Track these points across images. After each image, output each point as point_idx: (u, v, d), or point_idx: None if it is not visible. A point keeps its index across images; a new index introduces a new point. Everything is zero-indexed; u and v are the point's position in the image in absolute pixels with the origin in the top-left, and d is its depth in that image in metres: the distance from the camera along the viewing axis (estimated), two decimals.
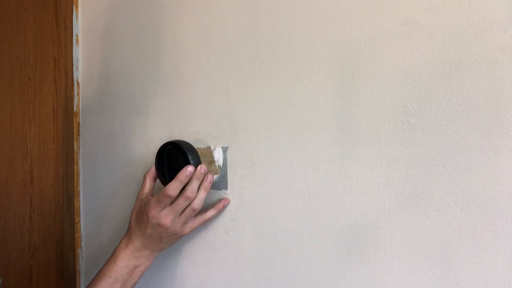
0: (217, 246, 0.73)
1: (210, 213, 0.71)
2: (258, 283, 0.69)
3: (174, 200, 0.66)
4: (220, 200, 0.71)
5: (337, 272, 0.62)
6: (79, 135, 0.94)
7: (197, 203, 0.67)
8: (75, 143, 0.93)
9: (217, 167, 0.72)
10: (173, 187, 0.65)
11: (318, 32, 0.63)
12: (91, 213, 0.92)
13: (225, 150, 0.72)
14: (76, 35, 0.93)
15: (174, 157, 0.69)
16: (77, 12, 0.93)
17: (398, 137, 0.57)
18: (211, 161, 0.73)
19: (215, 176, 0.72)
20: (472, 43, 0.52)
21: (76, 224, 0.94)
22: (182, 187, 0.66)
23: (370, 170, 0.59)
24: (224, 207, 0.72)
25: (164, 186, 0.68)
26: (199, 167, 0.68)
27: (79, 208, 0.95)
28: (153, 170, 0.72)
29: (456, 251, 0.54)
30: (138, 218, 0.68)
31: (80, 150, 0.94)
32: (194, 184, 0.67)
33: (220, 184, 0.72)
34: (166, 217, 0.65)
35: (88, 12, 0.92)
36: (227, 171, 0.72)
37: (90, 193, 0.93)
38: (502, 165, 0.51)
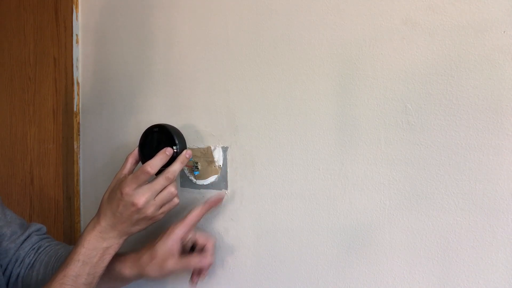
0: (217, 246, 0.73)
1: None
2: (258, 283, 0.69)
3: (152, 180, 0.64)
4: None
5: (337, 272, 0.62)
6: (79, 135, 0.94)
7: (175, 187, 0.65)
8: (75, 143, 0.93)
9: (217, 167, 0.72)
10: (153, 165, 0.62)
11: (318, 32, 0.63)
12: (91, 213, 0.92)
13: (225, 150, 0.72)
14: (76, 35, 0.93)
15: (159, 140, 0.67)
16: (77, 12, 0.93)
17: (398, 137, 0.57)
18: (211, 161, 0.73)
19: (215, 176, 0.72)
20: (472, 43, 0.52)
21: (76, 224, 0.94)
22: (162, 167, 0.63)
23: (370, 170, 0.59)
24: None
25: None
26: (184, 151, 0.66)
27: (79, 208, 0.95)
28: (136, 152, 0.68)
29: (456, 251, 0.54)
30: (111, 196, 0.64)
31: (80, 150, 0.94)
32: (177, 166, 0.64)
33: (220, 184, 0.72)
34: (141, 196, 0.61)
35: (88, 12, 0.92)
36: (227, 171, 0.72)
37: (90, 193, 0.93)
38: (502, 165, 0.51)
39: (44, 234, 0.77)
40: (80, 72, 0.94)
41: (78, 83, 0.94)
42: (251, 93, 0.69)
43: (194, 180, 0.74)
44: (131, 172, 0.68)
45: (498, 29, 0.51)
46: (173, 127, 0.69)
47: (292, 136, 0.66)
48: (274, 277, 0.68)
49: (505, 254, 0.51)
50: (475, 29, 0.52)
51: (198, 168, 0.74)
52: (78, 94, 0.94)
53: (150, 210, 0.63)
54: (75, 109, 0.93)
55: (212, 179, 0.73)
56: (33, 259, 0.72)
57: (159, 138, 0.67)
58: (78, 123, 0.94)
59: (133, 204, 0.61)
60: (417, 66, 0.56)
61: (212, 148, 0.72)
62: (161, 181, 0.63)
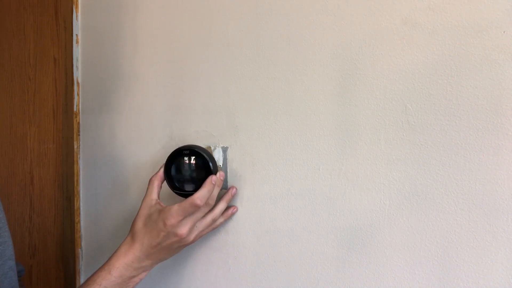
0: (217, 246, 0.73)
1: (219, 221, 0.69)
2: (258, 283, 0.69)
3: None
4: (229, 207, 0.70)
5: (337, 272, 0.62)
6: (79, 135, 0.94)
7: (217, 213, 0.66)
8: (75, 143, 0.93)
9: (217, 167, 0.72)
10: (202, 197, 0.62)
11: (318, 32, 0.63)
12: (91, 213, 0.92)
13: (225, 150, 0.72)
14: (76, 35, 0.93)
15: (192, 163, 0.67)
16: (77, 12, 0.93)
17: (398, 137, 0.57)
18: None
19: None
20: (472, 43, 0.52)
21: (76, 224, 0.94)
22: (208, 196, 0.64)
23: (370, 170, 0.59)
24: (232, 214, 0.71)
25: (175, 191, 0.67)
26: (218, 174, 0.66)
27: (79, 208, 0.95)
28: (160, 174, 0.68)
29: (456, 251, 0.54)
30: (149, 225, 0.64)
31: (80, 150, 0.94)
32: (216, 192, 0.65)
33: None
34: (185, 226, 0.62)
35: (88, 12, 0.92)
36: (227, 171, 0.72)
37: (90, 193, 0.93)
38: (502, 165, 0.51)
39: (20, 277, 0.76)
40: (80, 72, 0.94)
41: (78, 83, 0.94)
42: (251, 93, 0.69)
43: None
44: (158, 195, 0.67)
45: (498, 29, 0.51)
46: (202, 148, 0.69)
47: (292, 136, 0.66)
48: (274, 277, 0.68)
49: (505, 254, 0.51)
50: (475, 29, 0.52)
51: None
52: (78, 94, 0.94)
53: (192, 237, 0.64)
54: (75, 109, 0.93)
55: None
56: None
57: (192, 161, 0.67)
58: (78, 123, 0.94)
59: (177, 235, 0.62)
60: (417, 66, 0.56)
61: (212, 148, 0.72)
62: (203, 208, 0.64)
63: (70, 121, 0.93)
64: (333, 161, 0.62)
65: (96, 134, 0.91)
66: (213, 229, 0.69)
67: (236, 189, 0.70)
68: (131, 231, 0.66)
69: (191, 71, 0.76)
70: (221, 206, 0.67)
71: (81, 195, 0.95)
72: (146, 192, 0.68)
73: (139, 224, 0.65)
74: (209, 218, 0.65)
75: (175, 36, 0.78)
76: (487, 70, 0.51)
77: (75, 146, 0.93)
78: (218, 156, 0.72)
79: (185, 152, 0.67)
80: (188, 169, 0.67)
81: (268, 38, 0.68)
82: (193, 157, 0.67)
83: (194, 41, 0.76)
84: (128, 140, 0.85)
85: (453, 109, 0.53)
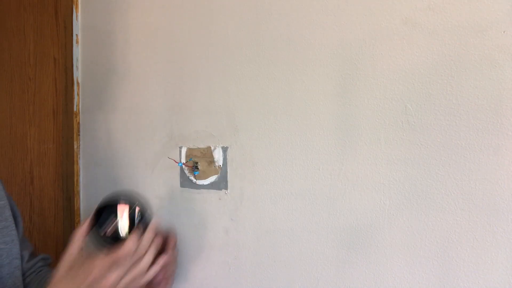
0: (217, 246, 0.73)
1: (153, 269, 0.64)
2: (258, 283, 0.69)
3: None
4: (161, 257, 0.65)
5: (337, 272, 0.62)
6: (79, 135, 0.94)
7: (146, 264, 0.61)
8: (75, 143, 0.93)
9: (217, 167, 0.72)
10: (130, 247, 0.58)
11: (318, 32, 0.63)
12: (91, 213, 0.92)
13: (225, 150, 0.72)
14: (76, 35, 0.93)
15: (122, 214, 0.63)
16: (77, 12, 0.93)
17: (398, 137, 0.57)
18: (211, 161, 0.73)
19: (215, 176, 0.72)
20: (472, 43, 0.52)
21: (76, 224, 0.94)
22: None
23: (370, 170, 0.59)
24: (165, 263, 0.65)
25: (101, 240, 0.63)
26: (151, 224, 0.62)
27: (79, 208, 0.95)
28: (85, 226, 0.64)
29: (456, 251, 0.54)
30: (71, 275, 0.60)
31: (80, 150, 0.94)
32: (145, 242, 0.61)
33: (220, 184, 0.72)
34: (111, 276, 0.58)
35: (88, 12, 0.92)
36: (227, 171, 0.72)
37: (90, 193, 0.93)
38: (502, 165, 0.51)
39: (47, 264, 0.75)
40: (80, 72, 0.94)
41: (78, 83, 0.94)
42: (251, 93, 0.69)
43: (194, 180, 0.74)
44: (82, 244, 0.63)
45: (498, 29, 0.51)
46: (133, 198, 0.64)
47: (292, 136, 0.66)
48: (274, 277, 0.68)
49: (505, 254, 0.51)
50: (475, 29, 0.52)
51: (198, 168, 0.74)
52: (78, 94, 0.94)
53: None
54: (75, 109, 0.93)
55: (212, 179, 0.73)
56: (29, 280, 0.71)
57: (122, 210, 0.63)
58: (78, 123, 0.94)
59: (101, 285, 0.58)
60: (417, 66, 0.56)
61: (212, 148, 0.72)
62: (129, 259, 0.60)
63: (70, 121, 0.93)
64: (333, 161, 0.62)
65: (96, 134, 0.91)
66: (148, 279, 0.63)
67: (158, 221, 0.64)
68: (52, 281, 0.61)
69: (191, 71, 0.76)
70: (149, 256, 0.62)
71: (81, 195, 0.95)
72: (69, 242, 0.64)
73: (61, 273, 0.61)
74: (138, 269, 0.61)
75: (175, 36, 0.78)
76: (487, 70, 0.51)
77: (75, 146, 0.93)
78: (218, 156, 0.72)
79: (114, 202, 0.64)
80: (117, 219, 0.63)
81: (268, 38, 0.68)
82: (123, 207, 0.63)
83: (194, 41, 0.76)
84: (128, 140, 0.85)
85: (453, 109, 0.53)
